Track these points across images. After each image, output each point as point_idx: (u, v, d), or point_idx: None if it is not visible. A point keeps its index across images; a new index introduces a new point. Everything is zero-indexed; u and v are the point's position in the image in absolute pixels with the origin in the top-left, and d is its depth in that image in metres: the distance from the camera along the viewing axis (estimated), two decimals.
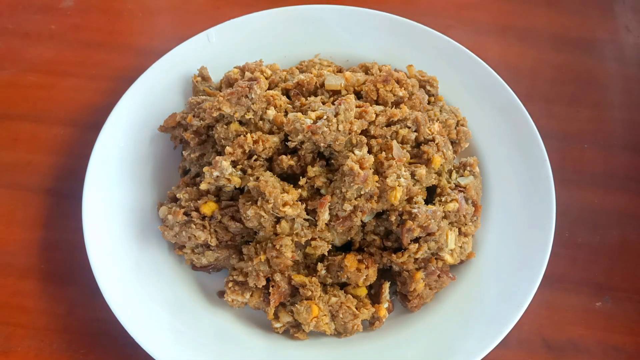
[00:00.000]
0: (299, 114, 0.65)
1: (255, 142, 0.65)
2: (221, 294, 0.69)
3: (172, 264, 0.70)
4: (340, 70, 0.78)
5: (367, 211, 0.64)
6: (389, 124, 0.68)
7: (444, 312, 0.68)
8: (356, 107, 0.65)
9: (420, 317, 0.68)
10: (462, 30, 0.94)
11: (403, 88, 0.71)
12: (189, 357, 0.63)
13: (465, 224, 0.69)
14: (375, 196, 0.63)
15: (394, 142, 0.65)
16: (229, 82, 0.76)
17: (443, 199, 0.68)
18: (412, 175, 0.66)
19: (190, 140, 0.70)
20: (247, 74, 0.73)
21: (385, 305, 0.67)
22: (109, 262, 0.67)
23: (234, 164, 0.65)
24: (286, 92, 0.71)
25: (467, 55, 0.80)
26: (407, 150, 0.67)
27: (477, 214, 0.71)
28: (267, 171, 0.65)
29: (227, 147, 0.65)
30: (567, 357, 0.71)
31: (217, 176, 0.64)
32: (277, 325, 0.66)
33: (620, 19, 0.97)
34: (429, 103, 0.77)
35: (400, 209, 0.64)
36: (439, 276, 0.67)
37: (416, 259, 0.66)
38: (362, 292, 0.67)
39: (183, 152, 0.73)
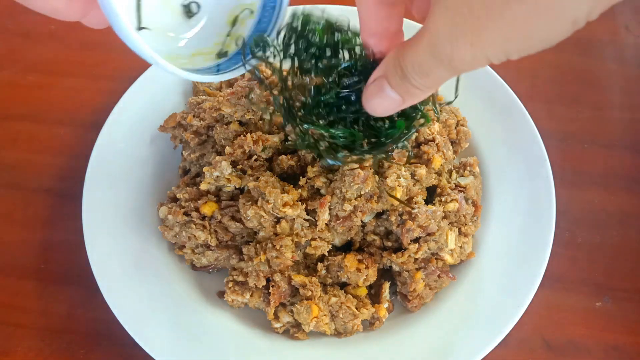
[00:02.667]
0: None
1: (255, 142, 0.65)
2: (221, 294, 0.69)
3: (172, 264, 0.70)
4: None
5: (367, 211, 0.64)
6: None
7: (444, 312, 0.68)
8: None
9: (420, 317, 0.68)
10: None
11: None
12: (189, 357, 0.63)
13: (465, 224, 0.69)
14: (375, 196, 0.63)
15: None
16: (229, 82, 0.76)
17: (443, 199, 0.68)
18: (412, 175, 0.66)
19: (190, 140, 0.70)
20: (247, 74, 0.73)
21: (385, 305, 0.67)
22: (109, 262, 0.67)
23: (234, 164, 0.65)
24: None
25: None
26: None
27: (477, 214, 0.71)
28: (267, 171, 0.65)
29: (227, 147, 0.65)
30: (567, 357, 0.71)
31: (217, 176, 0.64)
32: (277, 325, 0.66)
33: (620, 19, 0.97)
34: None
35: (401, 209, 0.64)
36: (439, 276, 0.67)
37: (416, 259, 0.66)
38: (362, 292, 0.67)
39: (183, 152, 0.73)
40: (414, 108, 0.51)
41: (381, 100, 0.43)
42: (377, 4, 0.43)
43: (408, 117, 0.52)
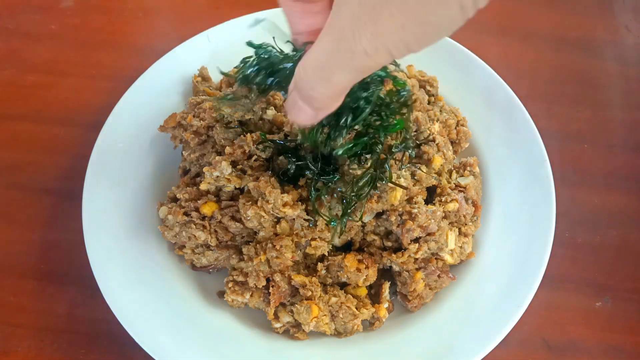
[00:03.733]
0: None
1: (255, 142, 0.65)
2: (221, 294, 0.69)
3: (172, 264, 0.70)
4: None
5: (367, 211, 0.64)
6: None
7: (444, 312, 0.68)
8: None
9: (420, 317, 0.68)
10: (462, 30, 0.93)
11: None
12: (189, 357, 0.63)
13: (465, 224, 0.69)
14: (375, 196, 0.63)
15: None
16: (229, 82, 0.76)
17: (443, 199, 0.68)
18: (412, 175, 0.66)
19: (190, 140, 0.70)
20: None
21: (385, 305, 0.67)
22: (109, 262, 0.67)
23: (234, 164, 0.65)
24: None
25: (467, 55, 0.80)
26: None
27: (477, 214, 0.71)
28: (267, 171, 0.65)
29: (227, 148, 0.65)
30: (567, 357, 0.71)
31: (217, 176, 0.64)
32: (277, 325, 0.66)
33: (620, 19, 0.97)
34: (429, 103, 0.77)
35: (401, 209, 0.64)
36: (439, 276, 0.67)
37: (416, 259, 0.66)
38: (362, 292, 0.67)
39: (183, 152, 0.73)
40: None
41: (298, 112, 0.42)
42: (298, 7, 0.44)
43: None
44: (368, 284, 0.67)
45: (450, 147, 0.72)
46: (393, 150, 0.61)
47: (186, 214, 0.66)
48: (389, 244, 0.66)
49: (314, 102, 0.40)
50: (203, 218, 0.66)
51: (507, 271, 0.68)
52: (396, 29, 0.33)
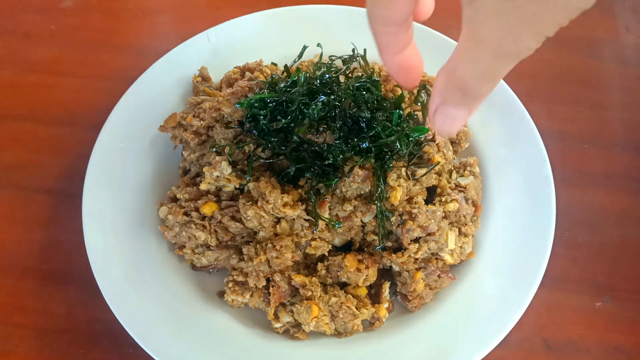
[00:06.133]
0: None
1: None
2: (221, 294, 0.69)
3: (172, 264, 0.70)
4: None
5: (367, 211, 0.64)
6: None
7: (444, 312, 0.68)
8: None
9: (420, 317, 0.68)
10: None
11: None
12: (189, 357, 0.63)
13: (465, 224, 0.69)
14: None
15: None
16: (229, 82, 0.76)
17: (443, 199, 0.68)
18: (413, 175, 0.66)
19: (190, 140, 0.70)
20: (247, 74, 0.73)
21: (385, 305, 0.67)
22: (109, 262, 0.67)
23: (234, 164, 0.65)
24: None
25: None
26: None
27: (477, 214, 0.71)
28: (267, 171, 0.65)
29: (227, 147, 0.65)
30: (567, 357, 0.71)
31: (217, 176, 0.64)
32: (277, 325, 0.66)
33: (620, 19, 0.97)
34: None
35: (401, 209, 0.64)
36: (439, 276, 0.67)
37: (416, 259, 0.66)
38: (362, 292, 0.67)
39: (183, 152, 0.73)
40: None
41: (453, 122, 0.45)
42: (395, 27, 0.46)
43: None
44: (368, 284, 0.67)
45: (450, 147, 0.72)
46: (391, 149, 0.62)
47: (186, 214, 0.66)
48: (389, 244, 0.66)
49: (479, 99, 0.44)
50: (203, 218, 0.66)
51: (507, 271, 0.68)
52: (557, 21, 0.36)
